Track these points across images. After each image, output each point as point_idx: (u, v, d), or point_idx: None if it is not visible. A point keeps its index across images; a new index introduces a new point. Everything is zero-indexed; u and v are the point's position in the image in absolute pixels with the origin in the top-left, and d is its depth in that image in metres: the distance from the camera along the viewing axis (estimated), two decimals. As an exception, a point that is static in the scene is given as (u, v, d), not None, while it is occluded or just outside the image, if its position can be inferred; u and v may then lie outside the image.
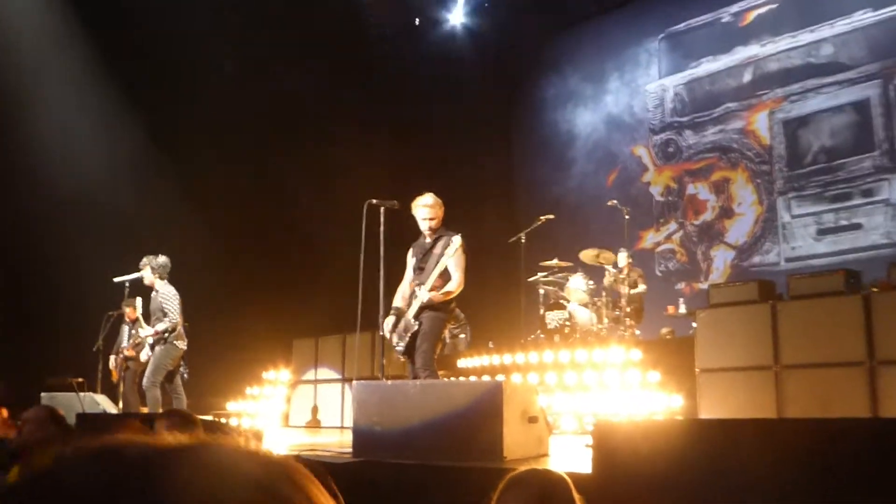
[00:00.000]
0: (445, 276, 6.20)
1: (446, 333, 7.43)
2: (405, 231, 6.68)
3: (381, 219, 6.69)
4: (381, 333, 6.65)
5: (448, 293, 6.20)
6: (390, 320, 6.33)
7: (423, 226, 6.40)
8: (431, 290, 6.15)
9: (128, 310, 8.89)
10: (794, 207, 12.12)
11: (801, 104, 12.26)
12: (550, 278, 10.10)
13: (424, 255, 6.35)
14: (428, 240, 6.42)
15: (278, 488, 0.53)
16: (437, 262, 6.17)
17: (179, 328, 8.33)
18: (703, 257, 12.99)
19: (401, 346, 6.27)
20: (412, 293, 6.30)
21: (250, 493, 0.52)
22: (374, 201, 6.73)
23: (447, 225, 6.47)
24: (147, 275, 8.40)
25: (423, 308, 6.19)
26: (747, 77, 12.86)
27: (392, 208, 6.68)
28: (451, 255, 6.16)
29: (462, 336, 11.40)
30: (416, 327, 6.17)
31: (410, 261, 6.46)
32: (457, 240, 6.20)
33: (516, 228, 10.43)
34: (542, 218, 10.07)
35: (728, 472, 3.31)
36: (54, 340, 9.28)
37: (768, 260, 12.22)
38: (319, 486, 0.57)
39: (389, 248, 6.61)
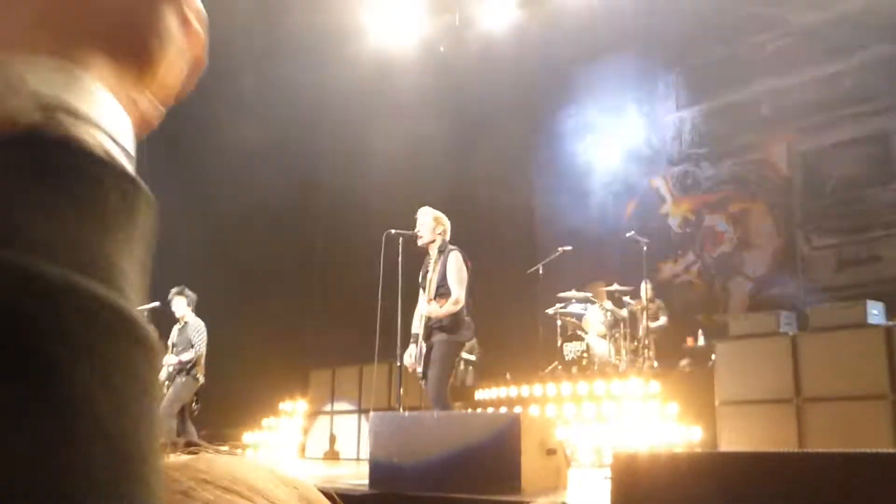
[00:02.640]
0: (446, 290, 6.14)
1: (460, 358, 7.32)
2: (422, 261, 6.65)
3: (400, 248, 6.69)
4: (399, 364, 6.60)
5: (449, 311, 6.09)
6: (410, 350, 6.27)
7: (418, 239, 6.40)
8: (429, 302, 6.11)
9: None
10: (813, 239, 12.05)
11: (820, 136, 12.21)
12: (568, 310, 10.08)
13: (426, 272, 6.33)
14: (431, 256, 6.37)
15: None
16: (435, 276, 6.14)
17: (202, 361, 8.42)
18: (721, 289, 12.92)
19: (419, 371, 6.22)
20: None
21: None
22: (394, 231, 6.73)
23: (463, 246, 6.42)
24: (181, 305, 8.53)
25: (432, 329, 6.11)
26: (765, 109, 12.85)
27: (411, 238, 6.65)
28: (449, 270, 6.13)
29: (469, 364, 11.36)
30: (424, 350, 6.11)
31: (420, 283, 6.45)
32: (454, 253, 6.18)
33: (535, 259, 10.45)
34: (560, 249, 10.07)
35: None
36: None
37: (788, 291, 12.12)
38: None
39: (408, 279, 6.56)
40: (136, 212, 0.43)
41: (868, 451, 4.98)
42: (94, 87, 0.46)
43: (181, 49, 0.54)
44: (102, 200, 0.41)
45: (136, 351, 0.39)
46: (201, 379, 8.45)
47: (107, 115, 0.46)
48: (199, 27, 0.56)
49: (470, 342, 8.54)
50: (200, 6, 0.56)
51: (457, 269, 6.16)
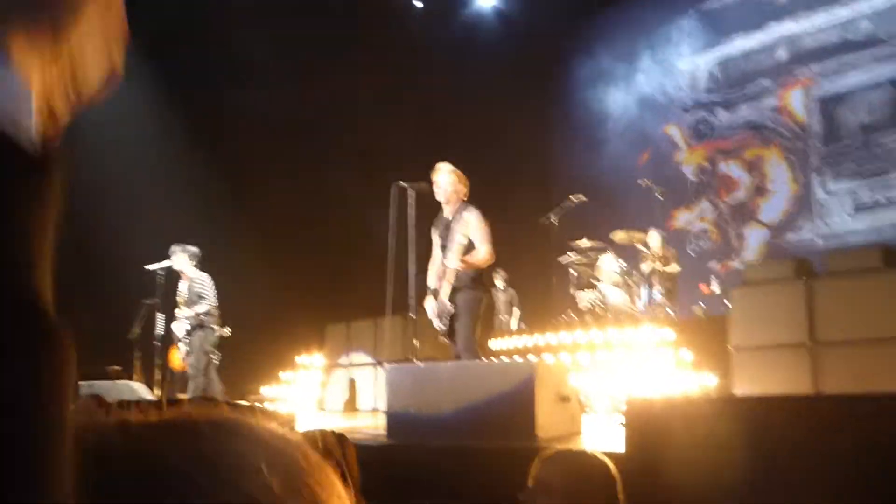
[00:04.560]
0: (470, 249, 6.09)
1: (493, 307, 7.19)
2: (435, 212, 6.54)
3: (411, 200, 6.64)
4: (413, 316, 6.62)
5: (475, 263, 6.06)
6: (431, 301, 6.22)
7: (437, 194, 6.29)
8: (460, 261, 6.03)
9: None
10: (829, 184, 11.95)
11: (838, 80, 12.04)
12: (581, 258, 10.03)
13: (446, 232, 6.22)
14: (447, 214, 6.29)
15: (281, 468, 0.54)
16: (457, 237, 6.06)
17: (216, 313, 8.47)
18: (736, 236, 12.86)
19: (442, 328, 6.17)
20: (444, 271, 6.17)
21: (255, 472, 0.53)
22: (402, 183, 6.69)
23: (477, 202, 6.32)
24: (181, 261, 8.50)
25: (455, 289, 6.06)
26: (781, 54, 12.66)
27: (421, 191, 6.60)
28: (472, 228, 6.07)
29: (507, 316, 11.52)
30: (451, 309, 6.08)
31: (435, 239, 6.34)
32: (473, 212, 6.11)
33: (548, 208, 10.38)
34: (572, 198, 9.99)
35: (764, 449, 3.26)
36: (87, 329, 9.29)
37: (803, 238, 12.06)
38: (327, 470, 0.58)
39: (419, 231, 6.54)
40: (41, 193, 0.42)
41: (883, 392, 4.96)
42: None
43: (97, 27, 0.54)
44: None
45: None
46: (219, 330, 8.50)
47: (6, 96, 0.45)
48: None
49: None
50: None
51: (479, 225, 6.11)
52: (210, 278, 8.55)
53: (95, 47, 0.55)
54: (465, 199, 6.30)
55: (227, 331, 8.65)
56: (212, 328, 8.43)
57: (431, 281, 6.29)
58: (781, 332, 7.14)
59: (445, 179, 6.26)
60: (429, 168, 6.39)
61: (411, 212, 6.68)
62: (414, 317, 6.67)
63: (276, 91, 11.31)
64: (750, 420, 3.43)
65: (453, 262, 6.01)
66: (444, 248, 6.20)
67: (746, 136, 12.94)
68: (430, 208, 6.63)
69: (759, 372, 7.24)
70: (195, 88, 10.82)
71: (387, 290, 7.11)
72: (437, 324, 6.18)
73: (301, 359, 10.65)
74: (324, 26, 11.78)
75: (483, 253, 6.07)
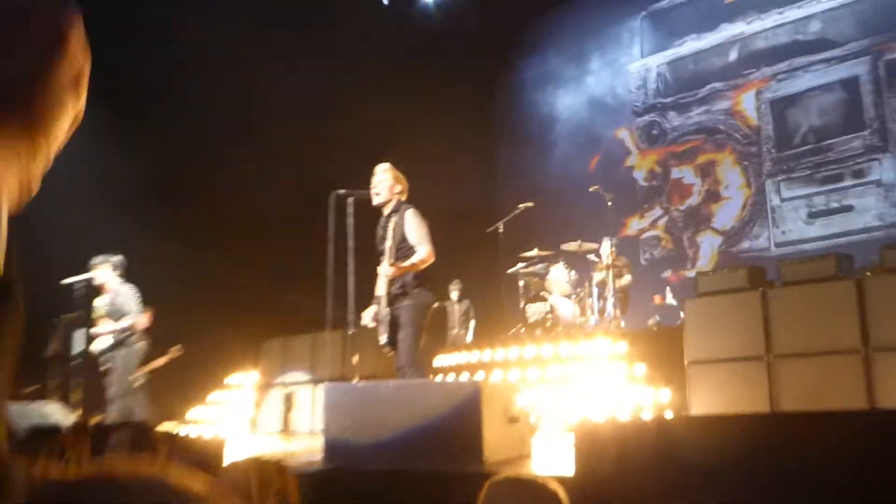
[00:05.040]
0: (408, 250, 5.74)
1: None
2: (377, 222, 6.17)
3: (350, 209, 6.36)
4: (352, 332, 6.40)
5: (414, 266, 5.69)
6: (370, 310, 5.86)
7: (373, 199, 5.93)
8: (391, 266, 5.69)
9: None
10: (783, 190, 11.77)
11: (789, 83, 11.90)
12: (531, 269, 9.72)
13: (383, 233, 5.90)
14: (389, 217, 5.93)
15: None
16: (392, 239, 5.74)
17: (140, 328, 7.93)
18: (689, 244, 12.62)
19: (383, 338, 5.79)
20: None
21: None
22: (342, 191, 6.42)
23: (419, 206, 5.98)
24: (104, 273, 7.97)
25: (397, 296, 5.72)
26: (733, 56, 12.49)
27: (361, 199, 6.27)
28: (408, 227, 5.74)
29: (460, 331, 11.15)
30: (388, 317, 5.70)
31: (378, 244, 6.02)
32: (409, 210, 5.80)
33: (496, 216, 10.06)
34: (521, 206, 9.66)
35: (716, 471, 3.23)
36: None
37: (758, 245, 11.87)
38: None
39: (360, 241, 6.30)
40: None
41: (839, 410, 4.76)
42: None
43: (71, 105, 0.62)
44: None
45: None
46: (144, 346, 8.01)
47: None
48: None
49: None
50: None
51: (417, 224, 5.80)
52: (135, 290, 8.01)
53: (68, 118, 0.62)
54: (404, 199, 5.98)
55: (176, 349, 8.46)
56: (135, 345, 7.89)
57: (378, 287, 5.90)
58: (737, 345, 6.87)
59: (381, 179, 5.96)
60: (368, 176, 6.09)
61: (350, 221, 6.41)
62: (353, 331, 6.42)
63: (208, 95, 10.76)
64: (701, 442, 3.39)
65: (386, 266, 5.71)
66: (381, 251, 5.90)
67: (699, 140, 12.71)
68: (371, 218, 6.27)
69: (716, 385, 6.96)
70: (119, 88, 10.23)
71: (326, 303, 6.80)
72: (380, 335, 5.82)
73: (233, 378, 10.12)
74: (259, 25, 11.24)
75: (422, 254, 5.72)
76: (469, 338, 11.16)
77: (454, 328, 11.09)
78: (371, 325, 5.87)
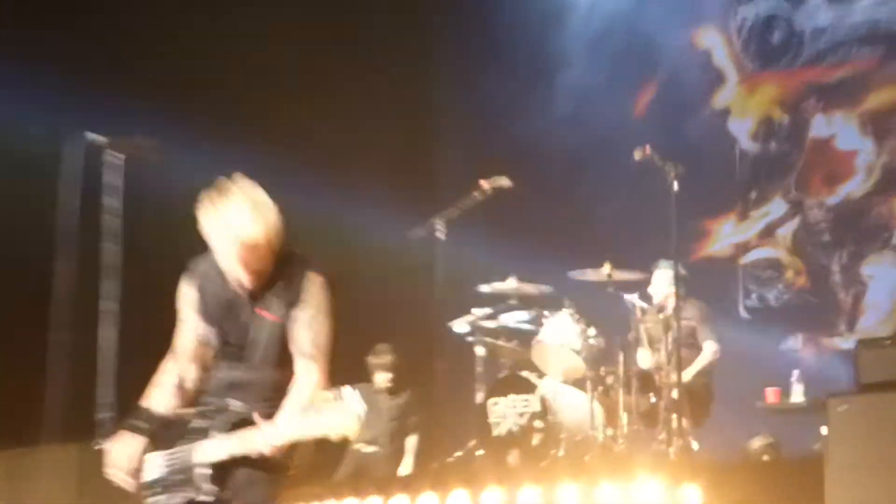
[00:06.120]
0: (288, 362, 3.27)
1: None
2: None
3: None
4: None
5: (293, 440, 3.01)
6: (132, 445, 3.22)
7: (236, 270, 3.26)
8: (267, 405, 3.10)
9: None
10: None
11: None
12: (500, 322, 5.95)
13: (240, 316, 3.36)
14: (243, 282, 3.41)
15: None
16: (278, 333, 3.27)
17: None
18: (844, 279, 7.75)
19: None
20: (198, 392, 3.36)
21: None
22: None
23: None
24: None
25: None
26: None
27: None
28: (311, 314, 3.24)
29: None
30: (207, 485, 3.09)
31: (193, 318, 3.39)
32: (314, 280, 3.34)
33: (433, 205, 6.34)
34: (485, 184, 5.95)
35: None
36: None
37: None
38: None
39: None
40: None
41: None
42: None
43: None
44: None
45: None
46: None
47: None
48: None
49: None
50: None
51: (322, 310, 3.43)
52: None
53: None
54: None
55: None
56: None
57: (155, 399, 3.52)
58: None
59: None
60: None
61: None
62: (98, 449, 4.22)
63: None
64: None
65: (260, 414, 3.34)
66: (230, 346, 3.56)
67: (873, 61, 7.63)
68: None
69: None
70: None
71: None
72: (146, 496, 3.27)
73: None
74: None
75: (312, 377, 3.36)
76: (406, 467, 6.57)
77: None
78: (123, 476, 3.34)
